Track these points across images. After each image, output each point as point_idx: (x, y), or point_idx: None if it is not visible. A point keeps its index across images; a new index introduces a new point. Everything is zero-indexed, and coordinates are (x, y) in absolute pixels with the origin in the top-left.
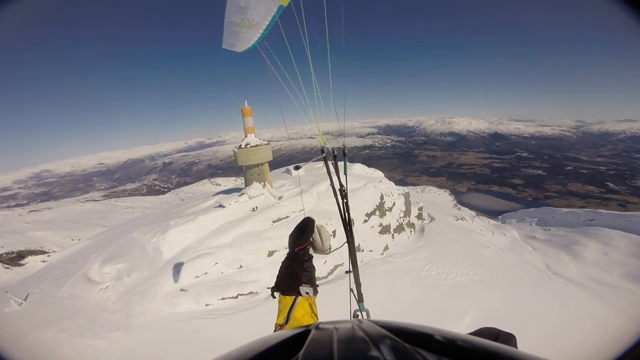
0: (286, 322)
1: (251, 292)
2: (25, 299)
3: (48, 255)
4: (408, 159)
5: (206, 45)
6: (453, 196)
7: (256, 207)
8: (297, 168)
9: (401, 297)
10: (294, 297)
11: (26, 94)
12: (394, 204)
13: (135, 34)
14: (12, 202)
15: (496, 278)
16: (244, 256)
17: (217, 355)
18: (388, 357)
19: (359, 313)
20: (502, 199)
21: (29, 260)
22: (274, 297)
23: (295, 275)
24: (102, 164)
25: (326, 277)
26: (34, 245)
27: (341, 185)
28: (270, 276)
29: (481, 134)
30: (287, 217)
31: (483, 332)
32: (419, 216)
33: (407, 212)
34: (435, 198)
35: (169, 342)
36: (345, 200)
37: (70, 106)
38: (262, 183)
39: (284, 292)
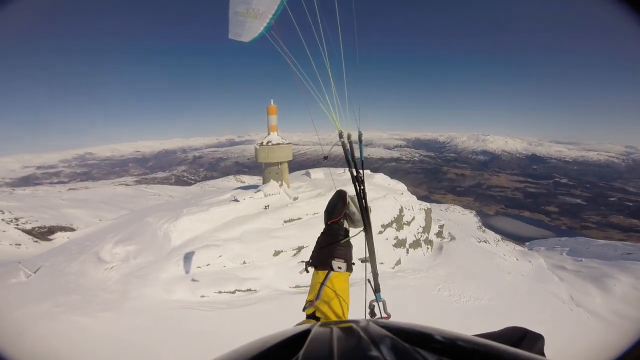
0: (317, 298)
1: (249, 289)
2: (35, 272)
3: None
4: (435, 175)
5: (242, 47)
6: (479, 218)
7: (268, 206)
8: (325, 158)
9: (404, 314)
10: (326, 272)
11: (81, 82)
12: (413, 218)
13: (179, 31)
14: (55, 179)
15: (513, 306)
16: (249, 252)
17: (217, 355)
18: (388, 357)
19: (375, 303)
20: (533, 225)
21: (57, 236)
22: (307, 271)
23: (327, 249)
24: (138, 151)
25: None
26: (65, 221)
27: (357, 171)
28: (273, 275)
29: (517, 155)
30: (299, 218)
31: (509, 331)
32: (439, 234)
33: (426, 228)
34: (459, 218)
35: (156, 328)
36: (362, 187)
37: (119, 95)
38: (280, 182)
39: (316, 267)
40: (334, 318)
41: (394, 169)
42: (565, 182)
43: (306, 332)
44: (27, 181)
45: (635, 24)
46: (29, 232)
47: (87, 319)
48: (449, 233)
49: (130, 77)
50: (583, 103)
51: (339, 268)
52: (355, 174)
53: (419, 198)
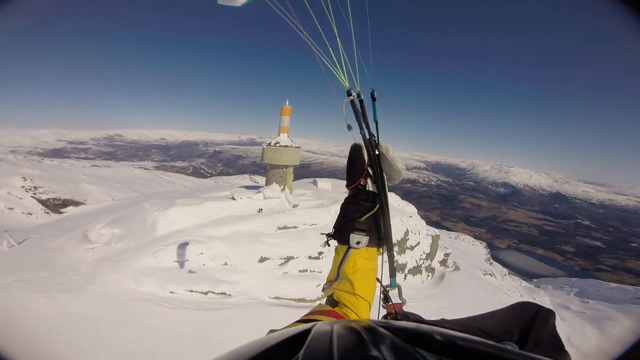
0: (337, 278)
1: (223, 293)
2: (20, 243)
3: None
4: (450, 202)
5: (273, 48)
6: (488, 250)
7: (262, 209)
8: (349, 128)
9: None
10: (346, 247)
11: (123, 67)
12: (418, 243)
13: (213, 29)
14: (83, 154)
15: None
16: (233, 254)
17: (218, 355)
18: (388, 357)
19: (389, 288)
20: (544, 263)
21: (69, 209)
22: (328, 245)
23: (346, 219)
24: (163, 139)
25: None
26: (80, 196)
27: (371, 134)
28: (253, 282)
29: (540, 191)
30: (295, 227)
31: (520, 308)
32: (443, 262)
33: (430, 255)
34: (467, 248)
35: (112, 317)
36: (376, 153)
37: (153, 83)
38: (282, 186)
39: (337, 241)
40: (353, 304)
41: (409, 190)
42: (587, 224)
43: (306, 332)
44: (57, 153)
45: None
46: (43, 202)
47: (44, 297)
48: (454, 262)
49: (169, 67)
50: (619, 143)
51: (358, 243)
52: (367, 136)
53: (430, 223)
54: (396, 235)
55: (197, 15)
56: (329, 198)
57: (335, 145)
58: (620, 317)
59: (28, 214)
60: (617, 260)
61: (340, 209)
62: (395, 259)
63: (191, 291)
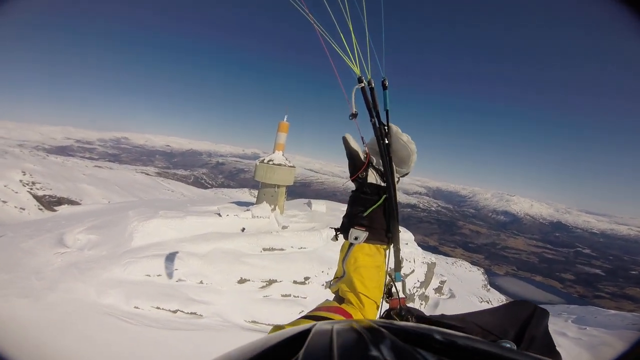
0: (343, 275)
1: (194, 313)
2: None
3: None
4: (449, 228)
5: (283, 65)
6: (486, 276)
7: (244, 229)
8: (354, 116)
9: None
10: (349, 243)
11: (133, 71)
12: (412, 271)
13: (225, 39)
14: (87, 154)
15: None
16: (210, 272)
17: (217, 356)
18: (388, 357)
19: (392, 284)
20: (542, 290)
21: (62, 207)
22: (336, 239)
23: (349, 212)
24: (168, 145)
25: None
26: (76, 195)
27: (381, 122)
28: (229, 304)
29: (540, 220)
30: (282, 249)
31: (518, 306)
32: (438, 289)
33: (424, 283)
34: (464, 274)
35: (66, 327)
36: (386, 142)
37: (164, 89)
38: (273, 206)
39: (344, 236)
40: (356, 302)
41: (408, 215)
42: (587, 252)
43: (306, 332)
44: (62, 151)
45: None
46: (38, 198)
47: None
48: (450, 289)
49: (182, 74)
50: (622, 173)
51: (356, 239)
52: (378, 125)
53: (427, 248)
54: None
55: (215, 24)
56: (322, 221)
57: (337, 165)
58: (616, 342)
59: (21, 208)
60: (616, 287)
61: (348, 203)
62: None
63: (158, 308)
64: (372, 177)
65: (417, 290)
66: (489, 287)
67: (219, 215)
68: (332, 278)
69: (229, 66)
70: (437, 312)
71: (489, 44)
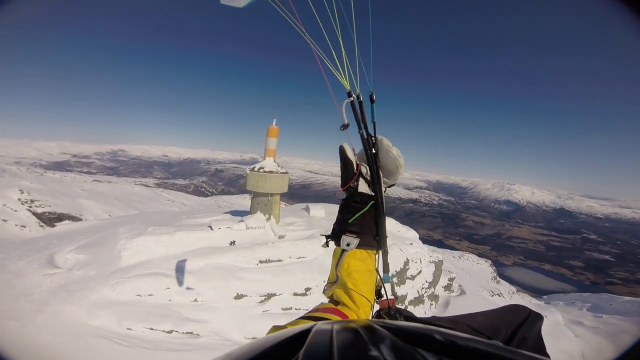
0: (336, 280)
1: (190, 333)
2: None
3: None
4: (452, 220)
5: (276, 68)
6: (494, 268)
7: (234, 242)
8: (345, 127)
9: None
10: (341, 249)
11: (130, 83)
12: (419, 271)
13: (220, 45)
14: (85, 168)
15: None
16: (204, 289)
17: (217, 356)
18: (388, 357)
19: (381, 285)
20: (553, 279)
21: (63, 224)
22: (327, 246)
23: (339, 219)
24: (166, 156)
25: None
26: (76, 211)
27: (368, 133)
28: (227, 321)
29: (543, 207)
30: (279, 260)
31: (513, 310)
32: (447, 287)
33: (433, 283)
34: (472, 267)
35: (56, 351)
36: (374, 152)
37: (158, 99)
38: (267, 215)
39: (335, 243)
40: (350, 305)
41: (410, 210)
42: (594, 238)
43: (306, 332)
44: (60, 166)
45: None
46: (38, 215)
47: None
48: (459, 286)
49: (175, 84)
50: (622, 156)
51: (347, 245)
52: (365, 136)
53: (432, 242)
54: (395, 266)
55: (204, 32)
56: (321, 227)
57: (336, 165)
58: (636, 330)
59: (22, 226)
60: (628, 273)
61: (338, 210)
62: (395, 290)
63: (152, 329)
64: (363, 187)
65: (425, 291)
66: (498, 279)
67: (211, 228)
68: (326, 283)
69: (221, 73)
70: (449, 312)
71: (483, 34)
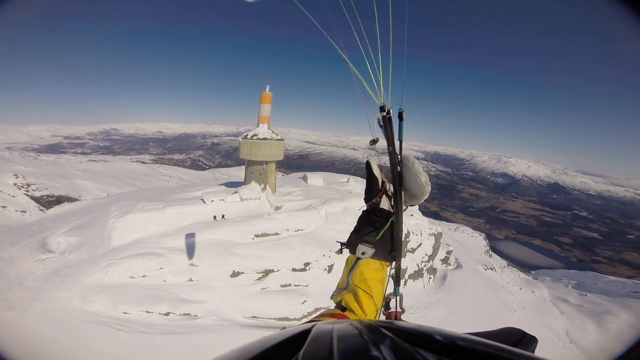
0: (346, 287)
1: (187, 314)
2: None
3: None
4: (449, 192)
5: (271, 38)
6: (487, 241)
7: (224, 216)
8: (373, 142)
9: None
10: (355, 257)
11: (118, 62)
12: (419, 244)
13: (209, 21)
14: (79, 149)
15: None
16: (199, 268)
17: (217, 356)
18: (388, 357)
19: (392, 297)
20: (542, 254)
21: (63, 206)
22: (341, 252)
23: (357, 229)
24: (160, 132)
25: None
26: (75, 192)
27: (395, 152)
28: (224, 301)
29: (538, 182)
30: (276, 234)
31: (507, 332)
32: (445, 260)
33: (432, 256)
34: (467, 240)
35: (56, 340)
36: (399, 169)
37: (149, 76)
38: (262, 185)
39: (350, 250)
40: (358, 311)
41: None
42: (584, 215)
43: (306, 332)
44: (53, 149)
45: None
46: (37, 199)
47: None
48: (456, 259)
49: (164, 60)
50: (617, 135)
51: (363, 254)
52: (394, 154)
53: (429, 214)
54: None
55: (192, 6)
56: (319, 197)
57: (333, 135)
58: (620, 312)
59: (22, 211)
60: (613, 252)
61: (357, 220)
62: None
63: (148, 312)
64: (385, 203)
65: (425, 265)
66: (491, 252)
67: (203, 201)
68: (335, 289)
69: (212, 45)
70: (446, 286)
71: (479, 11)
